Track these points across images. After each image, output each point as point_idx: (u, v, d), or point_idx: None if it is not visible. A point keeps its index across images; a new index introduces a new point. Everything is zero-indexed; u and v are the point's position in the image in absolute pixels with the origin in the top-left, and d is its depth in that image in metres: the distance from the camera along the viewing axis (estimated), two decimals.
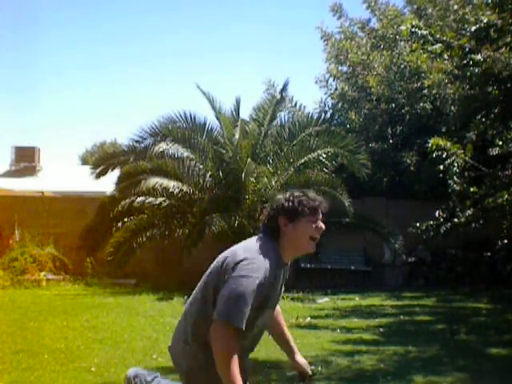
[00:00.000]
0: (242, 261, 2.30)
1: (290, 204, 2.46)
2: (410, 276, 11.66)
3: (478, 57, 7.78)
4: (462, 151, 8.24)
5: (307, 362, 2.62)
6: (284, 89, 11.45)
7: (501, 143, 8.94)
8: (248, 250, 2.37)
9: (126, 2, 47.73)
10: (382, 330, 6.87)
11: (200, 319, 2.39)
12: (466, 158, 8.29)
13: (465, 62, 8.09)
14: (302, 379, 2.59)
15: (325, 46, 13.89)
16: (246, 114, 11.52)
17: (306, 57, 50.80)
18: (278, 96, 11.50)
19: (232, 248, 2.46)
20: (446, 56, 9.08)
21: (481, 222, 8.89)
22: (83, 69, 51.34)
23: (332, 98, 13.89)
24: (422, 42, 8.07)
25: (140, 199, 9.82)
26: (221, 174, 10.48)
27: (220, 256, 2.47)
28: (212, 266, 2.47)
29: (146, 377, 3.04)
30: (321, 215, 2.48)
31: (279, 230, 2.45)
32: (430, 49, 8.18)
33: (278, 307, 2.70)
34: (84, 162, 31.12)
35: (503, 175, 8.66)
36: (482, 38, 7.82)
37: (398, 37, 12.57)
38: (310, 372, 2.58)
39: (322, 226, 2.47)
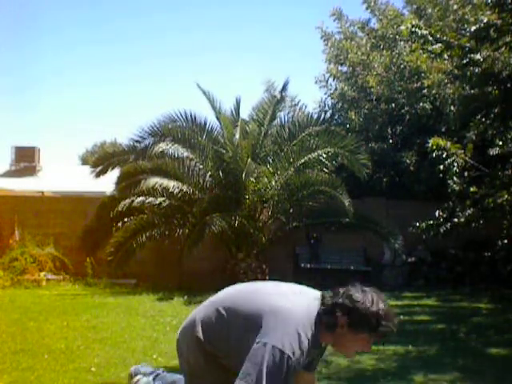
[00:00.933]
0: (282, 353, 2.24)
1: (366, 318, 2.30)
2: (409, 276, 11.65)
3: (478, 57, 7.76)
4: (462, 151, 8.22)
5: None
6: (284, 88, 11.44)
7: (501, 143, 8.92)
8: (287, 344, 2.25)
9: (126, 2, 47.77)
10: None
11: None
12: (466, 158, 8.28)
13: (465, 61, 8.07)
14: None
15: (325, 46, 13.90)
16: (245, 114, 11.53)
17: (306, 57, 50.88)
18: (278, 96, 11.49)
19: (271, 315, 2.35)
20: (446, 56, 9.08)
21: (481, 221, 8.85)
22: (83, 69, 51.45)
23: (332, 98, 13.88)
24: (421, 41, 8.05)
25: (140, 199, 9.81)
26: (221, 174, 10.48)
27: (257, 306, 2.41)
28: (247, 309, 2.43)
29: (147, 378, 3.06)
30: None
31: (335, 326, 2.34)
32: (429, 49, 8.17)
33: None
34: (84, 162, 31.15)
35: (503, 175, 8.64)
36: (481, 38, 7.80)
37: (397, 37, 12.55)
38: None
39: (371, 346, 2.38)
